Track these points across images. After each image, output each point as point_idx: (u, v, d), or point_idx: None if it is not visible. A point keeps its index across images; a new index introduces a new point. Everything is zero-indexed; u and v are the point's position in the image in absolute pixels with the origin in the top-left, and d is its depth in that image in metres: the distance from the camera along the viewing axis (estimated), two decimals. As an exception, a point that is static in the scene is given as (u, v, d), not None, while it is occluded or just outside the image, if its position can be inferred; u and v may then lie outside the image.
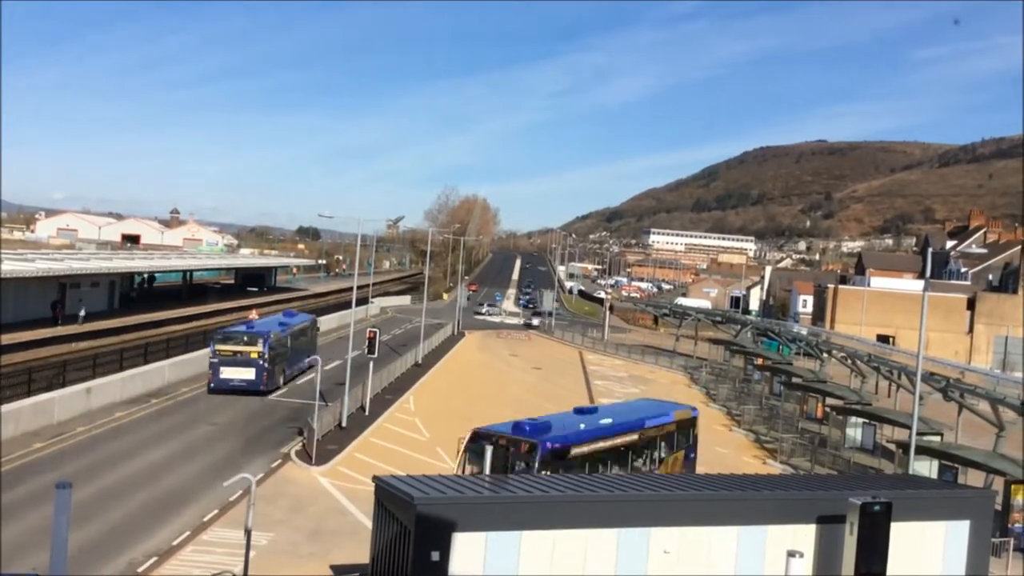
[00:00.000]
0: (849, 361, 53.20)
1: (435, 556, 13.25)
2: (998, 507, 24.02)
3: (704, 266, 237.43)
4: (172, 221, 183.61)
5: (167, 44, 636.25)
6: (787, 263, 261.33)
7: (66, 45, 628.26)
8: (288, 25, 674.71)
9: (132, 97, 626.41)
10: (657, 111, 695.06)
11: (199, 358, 46.29)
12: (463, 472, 22.27)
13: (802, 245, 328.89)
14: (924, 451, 30.34)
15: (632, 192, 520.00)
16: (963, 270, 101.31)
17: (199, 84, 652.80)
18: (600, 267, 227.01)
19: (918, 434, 28.30)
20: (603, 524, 14.51)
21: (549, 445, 22.63)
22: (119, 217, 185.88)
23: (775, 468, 36.28)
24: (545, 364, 64.19)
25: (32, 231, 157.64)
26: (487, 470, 19.98)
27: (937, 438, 34.50)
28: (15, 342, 45.02)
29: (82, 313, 55.71)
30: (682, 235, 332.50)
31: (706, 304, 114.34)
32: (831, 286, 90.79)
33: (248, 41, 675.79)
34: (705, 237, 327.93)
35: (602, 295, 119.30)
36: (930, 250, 36.73)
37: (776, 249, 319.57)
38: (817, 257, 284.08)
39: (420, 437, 36.40)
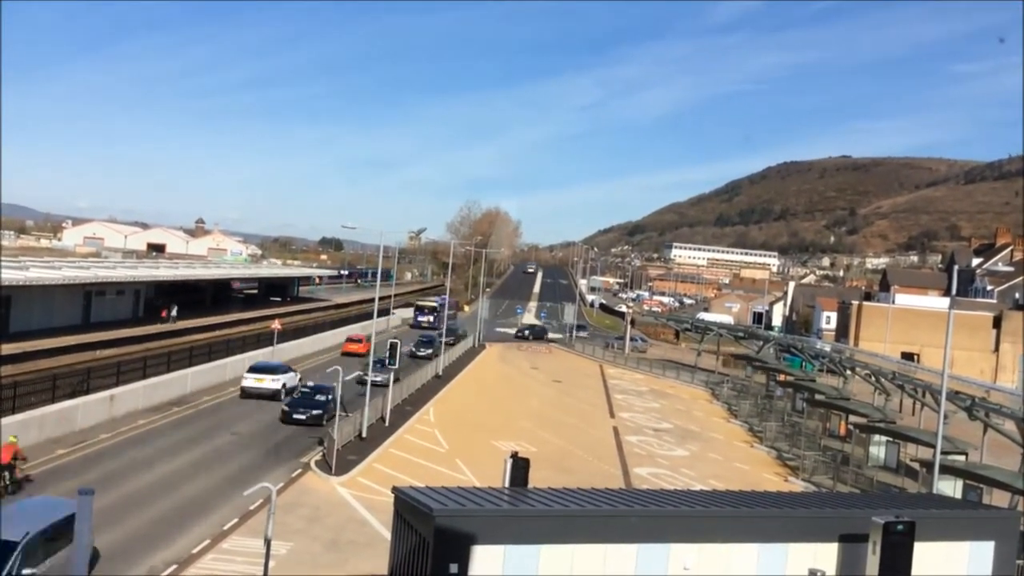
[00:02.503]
0: (873, 378, 52.74)
1: (453, 569, 13.22)
2: (1023, 528, 23.68)
3: (727, 281, 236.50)
4: (197, 231, 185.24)
5: (192, 53, 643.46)
6: (811, 279, 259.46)
7: (93, 53, 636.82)
8: (311, 35, 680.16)
9: (157, 106, 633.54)
10: (681, 126, 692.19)
11: (221, 367, 46.73)
12: None
13: (825, 261, 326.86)
14: (948, 470, 29.97)
15: (654, 206, 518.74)
16: (989, 288, 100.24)
17: (223, 94, 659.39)
18: (621, 281, 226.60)
19: (942, 453, 27.98)
20: (622, 539, 14.44)
21: None
22: (145, 226, 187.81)
23: (797, 486, 35.99)
24: (565, 377, 64.07)
25: (59, 239, 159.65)
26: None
27: (962, 457, 34.09)
28: (40, 348, 45.47)
29: (174, 312, 62.12)
30: (704, 250, 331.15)
31: (728, 319, 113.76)
32: (855, 302, 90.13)
33: (272, 51, 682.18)
34: (727, 252, 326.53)
35: (623, 309, 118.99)
36: (955, 267, 36.42)
37: (799, 265, 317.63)
38: (841, 273, 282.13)
39: (439, 449, 36.42)
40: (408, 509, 14.59)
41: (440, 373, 55.75)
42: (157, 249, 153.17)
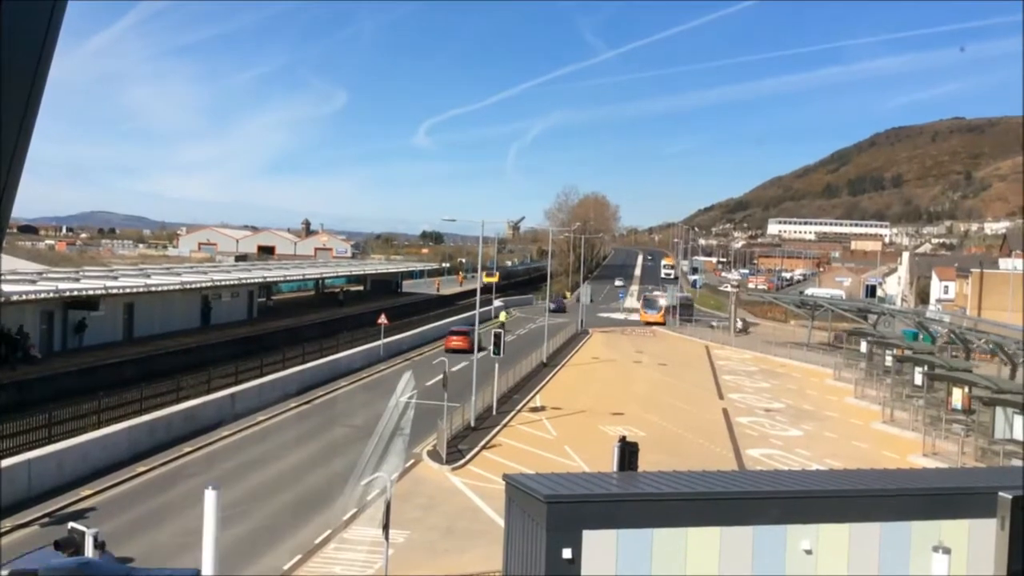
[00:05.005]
0: (996, 349, 50.41)
1: (567, 554, 13.33)
2: None
3: (837, 255, 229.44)
4: (304, 232, 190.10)
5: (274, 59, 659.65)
6: (926, 248, 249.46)
7: (203, 56, 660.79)
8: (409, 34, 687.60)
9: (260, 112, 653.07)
10: (780, 93, 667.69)
11: (331, 363, 48.18)
12: None
13: (942, 229, 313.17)
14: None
15: (756, 181, 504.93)
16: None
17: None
18: (724, 260, 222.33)
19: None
20: (738, 522, 14.27)
21: None
22: (255, 230, 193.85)
23: (918, 462, 34.75)
24: (671, 360, 63.42)
25: (175, 246, 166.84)
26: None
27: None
28: (164, 351, 47.62)
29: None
30: (811, 223, 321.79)
31: (840, 294, 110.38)
32: (975, 271, 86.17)
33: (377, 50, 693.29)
34: (836, 224, 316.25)
35: (727, 288, 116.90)
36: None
37: (913, 234, 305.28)
38: (958, 241, 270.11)
39: (548, 436, 36.61)
40: (520, 496, 14.77)
41: (545, 360, 56.05)
42: (267, 251, 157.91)
